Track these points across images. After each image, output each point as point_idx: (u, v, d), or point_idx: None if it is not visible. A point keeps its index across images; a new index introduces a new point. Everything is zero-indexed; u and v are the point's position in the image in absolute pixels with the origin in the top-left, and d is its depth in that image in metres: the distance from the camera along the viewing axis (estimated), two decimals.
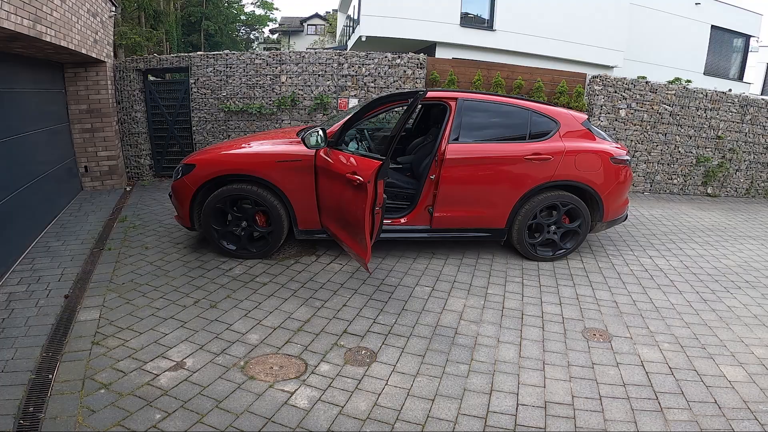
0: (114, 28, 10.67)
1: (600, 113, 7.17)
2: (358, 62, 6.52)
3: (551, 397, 2.41)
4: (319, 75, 6.54)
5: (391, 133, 2.97)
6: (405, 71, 6.58)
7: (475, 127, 3.90)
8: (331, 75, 6.54)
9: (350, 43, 13.35)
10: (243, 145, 4.06)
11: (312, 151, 3.60)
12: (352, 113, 3.54)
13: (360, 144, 4.28)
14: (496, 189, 3.89)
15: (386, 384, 2.48)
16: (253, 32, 27.69)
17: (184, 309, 3.16)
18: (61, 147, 6.02)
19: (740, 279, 4.04)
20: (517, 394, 2.42)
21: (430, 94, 3.93)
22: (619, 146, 4.23)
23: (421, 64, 6.58)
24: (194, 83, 6.58)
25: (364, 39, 10.57)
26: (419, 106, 5.48)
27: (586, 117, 4.30)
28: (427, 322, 3.09)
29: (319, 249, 4.25)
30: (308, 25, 29.14)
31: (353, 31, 12.94)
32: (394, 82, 6.65)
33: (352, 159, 3.19)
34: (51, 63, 5.58)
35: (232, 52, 6.55)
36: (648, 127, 7.25)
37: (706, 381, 2.58)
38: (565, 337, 2.96)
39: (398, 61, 6.52)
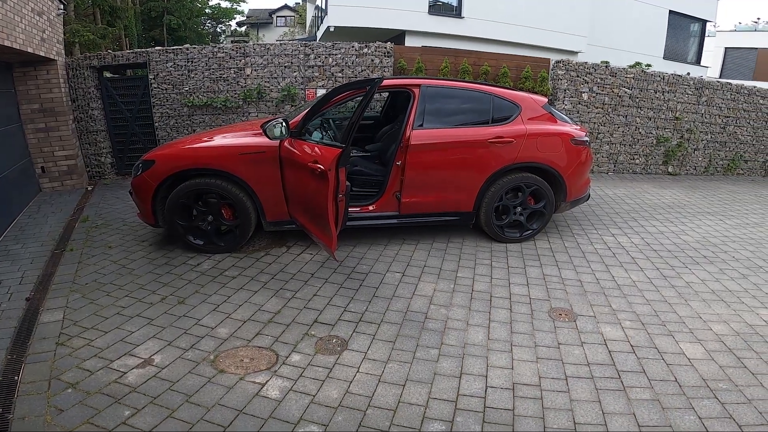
0: (66, 26, 10.19)
1: (564, 97, 7.31)
2: (324, 53, 6.42)
3: (519, 378, 2.45)
4: (285, 66, 6.41)
5: (349, 121, 2.94)
6: (372, 60, 6.53)
7: (439, 113, 3.91)
8: (298, 66, 6.42)
9: (319, 34, 13.14)
10: (205, 139, 3.96)
11: (276, 143, 3.53)
12: (313, 104, 3.49)
13: (326, 134, 4.24)
14: (461, 173, 3.93)
15: (357, 371, 2.49)
16: (220, 26, 26.87)
17: (151, 306, 3.09)
18: (14, 148, 5.72)
19: (698, 255, 4.22)
20: (486, 377, 2.46)
21: (392, 81, 3.93)
22: (579, 128, 4.33)
23: (388, 52, 6.54)
24: (154, 79, 6.35)
25: (332, 29, 10.41)
26: (387, 94, 5.48)
27: (547, 100, 4.38)
28: (398, 308, 3.10)
29: (289, 240, 4.20)
30: (277, 16, 28.47)
31: (322, 22, 12.71)
32: (362, 71, 6.58)
33: (314, 148, 3.15)
34: None
35: (193, 46, 6.34)
36: (609, 110, 7.44)
37: (666, 359, 2.63)
38: (532, 318, 3.03)
39: (365, 50, 6.45)
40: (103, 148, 6.71)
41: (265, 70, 6.40)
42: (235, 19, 25.06)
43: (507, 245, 4.19)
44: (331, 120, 4.72)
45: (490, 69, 6.89)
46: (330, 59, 6.45)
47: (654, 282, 3.62)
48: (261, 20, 25.69)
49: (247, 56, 6.32)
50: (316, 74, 6.49)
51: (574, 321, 3.01)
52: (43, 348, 2.64)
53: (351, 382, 2.40)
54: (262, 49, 6.32)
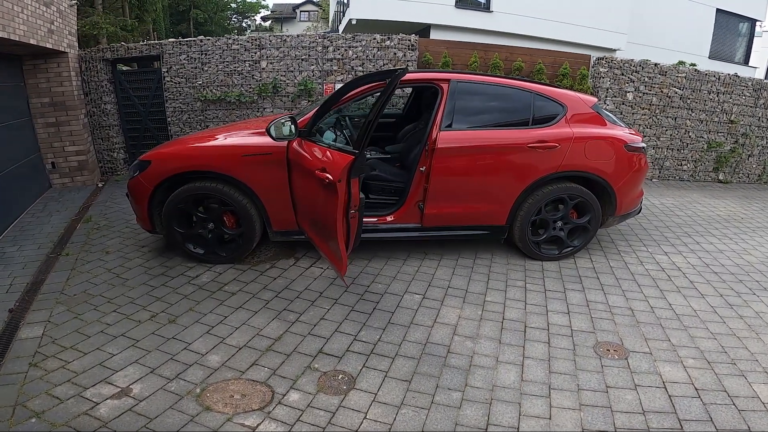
0: (86, 18, 10.18)
1: (606, 97, 6.72)
2: (344, 45, 6.04)
3: (559, 430, 2.02)
4: (302, 60, 6.06)
5: (365, 121, 2.51)
6: (395, 53, 6.10)
7: (470, 112, 3.46)
8: (316, 59, 6.06)
9: (341, 28, 12.78)
10: (207, 138, 3.62)
11: (283, 143, 3.16)
12: (326, 99, 3.09)
13: (341, 134, 3.85)
14: (494, 182, 3.46)
15: (365, 418, 2.10)
16: (246, 20, 26.94)
17: (139, 325, 2.78)
18: (23, 143, 5.58)
19: (766, 278, 3.64)
20: (518, 429, 2.03)
21: (417, 75, 3.50)
22: (633, 132, 3.79)
23: (412, 45, 6.10)
24: (167, 72, 6.11)
25: (354, 22, 10.03)
26: (410, 89, 5.04)
27: (596, 100, 3.85)
28: (416, 339, 2.69)
29: (298, 251, 3.83)
30: (301, 11, 28.30)
31: (344, 15, 12.35)
32: (383, 65, 6.17)
33: (325, 153, 2.74)
34: (7, 56, 5.13)
35: (207, 38, 6.07)
36: (657, 111, 6.79)
37: (738, 404, 2.21)
38: (575, 354, 2.56)
39: (387, 42, 6.03)
40: (115, 144, 6.53)
41: (281, 63, 6.07)
42: (259, 13, 25.13)
43: (543, 264, 3.71)
44: (348, 118, 4.31)
45: (523, 65, 6.37)
46: (350, 52, 6.06)
47: (718, 311, 3.09)
48: (285, 15, 25.59)
49: (262, 48, 6.01)
50: (335, 68, 6.11)
51: (626, 358, 2.54)
52: (15, 368, 2.38)
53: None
54: (278, 41, 5.99)
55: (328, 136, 3.35)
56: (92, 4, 14.85)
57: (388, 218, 3.50)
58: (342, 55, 6.06)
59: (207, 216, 3.44)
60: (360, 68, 6.16)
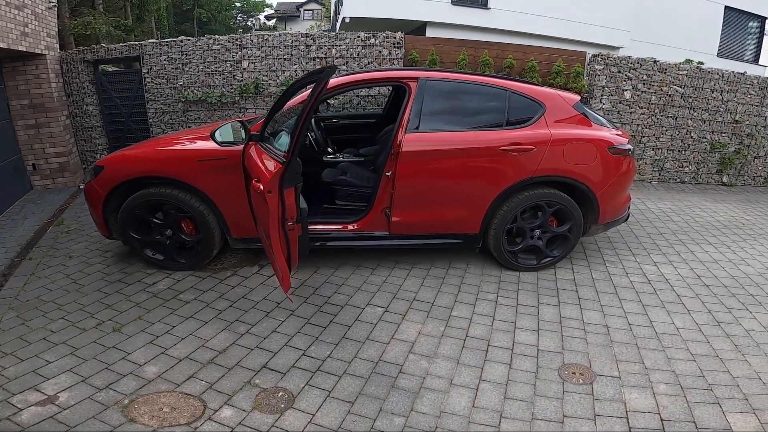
0: (78, 18, 10.17)
1: (602, 95, 6.47)
2: (327, 43, 5.89)
3: None
4: (284, 59, 5.93)
5: (294, 125, 2.29)
6: (380, 51, 5.93)
7: (440, 112, 3.28)
8: (299, 58, 5.92)
9: (337, 26, 12.66)
10: (165, 143, 3.49)
11: (239, 148, 3.02)
12: (275, 102, 2.92)
13: (312, 137, 3.71)
14: (465, 187, 3.28)
15: None
16: (251, 19, 26.98)
17: (83, 333, 2.71)
18: (3, 145, 5.55)
19: (762, 292, 3.41)
20: None
21: (383, 74, 3.34)
22: (619, 133, 3.57)
23: (398, 43, 5.93)
24: (147, 73, 6.03)
25: (348, 20, 9.88)
26: (391, 89, 4.87)
27: (579, 98, 3.63)
28: (368, 356, 2.53)
29: (263, 258, 3.69)
30: (304, 10, 28.20)
31: (339, 14, 12.22)
32: (368, 63, 6.00)
33: (261, 160, 2.56)
34: None
35: (188, 38, 5.98)
36: (656, 111, 6.53)
37: None
38: (536, 378, 2.38)
39: (372, 40, 5.86)
40: (98, 145, 6.48)
41: (263, 63, 5.94)
42: (264, 12, 25.14)
43: (520, 275, 3.51)
44: (321, 120, 4.17)
45: (515, 62, 6.16)
46: (333, 51, 5.91)
47: (704, 329, 2.88)
48: (288, 14, 25.57)
49: (243, 48, 5.89)
50: (318, 67, 5.97)
51: (591, 383, 2.36)
52: None
53: None
54: (260, 40, 5.86)
55: (284, 141, 3.19)
56: (93, 4, 14.94)
57: (350, 226, 3.33)
58: (325, 54, 5.91)
59: (164, 222, 3.32)
60: (344, 67, 6.01)
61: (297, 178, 2.21)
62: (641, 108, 6.51)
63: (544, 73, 6.39)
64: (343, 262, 3.64)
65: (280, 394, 2.23)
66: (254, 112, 6.07)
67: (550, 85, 6.20)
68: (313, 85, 2.22)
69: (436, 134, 3.21)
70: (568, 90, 6.22)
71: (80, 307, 2.99)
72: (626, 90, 6.45)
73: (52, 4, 5.61)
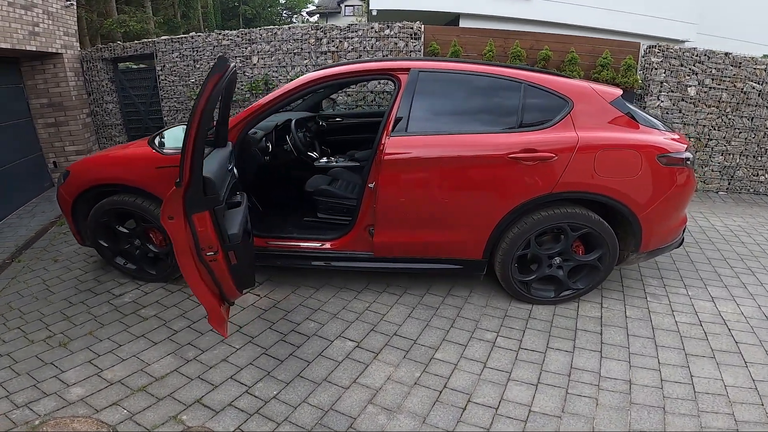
0: (111, 17, 10.56)
1: (659, 92, 5.65)
2: (338, 36, 5.54)
3: None
4: (294, 53, 5.66)
5: (185, 134, 1.85)
6: (396, 43, 5.49)
7: (434, 110, 2.79)
8: (309, 53, 5.63)
9: (365, 21, 12.28)
10: (130, 148, 3.29)
11: None
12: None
13: (299, 140, 3.36)
14: (463, 204, 2.76)
15: None
16: (295, 15, 27.42)
17: (30, 345, 2.60)
18: (24, 143, 5.74)
19: None
20: None
21: (368, 65, 2.87)
22: (675, 137, 2.85)
23: (415, 34, 5.45)
24: (161, 70, 6.00)
25: (375, 13, 9.48)
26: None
27: (620, 93, 2.94)
28: (319, 402, 2.15)
29: None
30: (345, 6, 28.09)
31: (368, 6, 11.83)
32: (383, 56, 5.59)
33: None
34: (4, 59, 5.25)
35: (198, 34, 5.90)
36: (728, 110, 5.59)
37: None
38: None
39: (387, 32, 5.44)
40: (119, 143, 6.56)
41: (272, 58, 5.71)
42: (306, 8, 25.35)
43: (533, 308, 2.97)
44: (305, 120, 3.80)
45: (551, 54, 5.49)
46: (345, 44, 5.55)
47: (761, 388, 2.25)
48: (330, 10, 25.59)
49: (253, 43, 5.69)
50: (330, 61, 5.64)
51: None
52: None
53: None
54: (269, 34, 5.63)
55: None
56: (142, 4, 15.68)
57: (327, 245, 2.94)
58: (337, 47, 5.57)
59: (131, 232, 3.11)
60: None
61: (211, 200, 1.84)
62: (709, 107, 5.61)
63: (587, 66, 5.68)
64: (326, 282, 3.27)
65: None
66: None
67: (595, 80, 5.49)
68: (208, 75, 1.81)
69: (428, 137, 2.71)
70: (609, 83, 5.48)
71: (40, 317, 2.90)
72: (690, 86, 5.58)
73: (69, 2, 5.70)
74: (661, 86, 5.66)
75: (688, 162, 2.81)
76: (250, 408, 2.11)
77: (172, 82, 6.04)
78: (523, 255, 2.88)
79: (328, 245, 2.96)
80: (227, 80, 2.00)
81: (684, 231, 3.19)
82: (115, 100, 6.41)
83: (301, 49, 5.63)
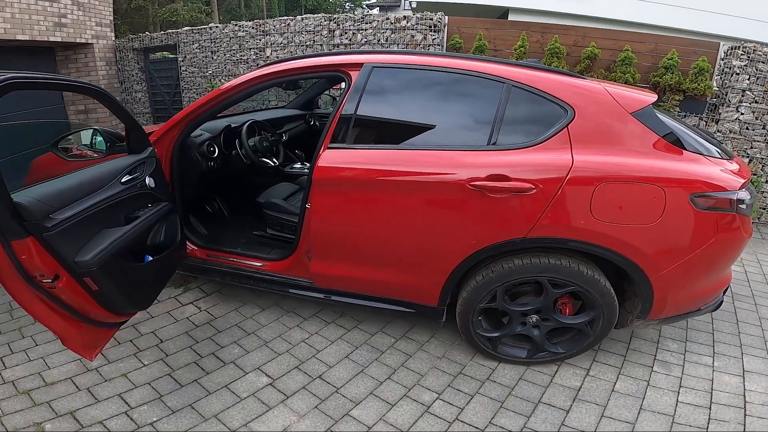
0: (165, 6, 11.12)
1: (740, 102, 4.73)
2: (352, 28, 5.26)
3: None
4: (306, 45, 5.49)
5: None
6: (413, 36, 5.09)
7: (385, 118, 2.41)
8: (321, 45, 5.43)
9: (405, 13, 11.79)
10: None
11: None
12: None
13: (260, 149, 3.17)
14: (411, 240, 2.31)
15: None
16: (358, 7, 27.58)
17: None
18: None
19: None
20: None
21: (317, 60, 2.54)
22: (731, 167, 2.15)
23: (435, 26, 5.01)
24: (182, 61, 6.14)
25: (413, 5, 9.02)
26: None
27: (651, 100, 2.22)
28: None
29: (200, 281, 3.28)
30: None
31: None
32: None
33: None
34: (42, 48, 5.66)
35: (216, 25, 5.93)
36: None
37: None
38: None
39: (404, 23, 5.06)
40: None
41: (285, 51, 5.59)
42: (368, 0, 25.28)
43: (498, 367, 2.51)
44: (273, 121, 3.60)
45: (599, 52, 4.79)
46: (359, 36, 5.27)
47: None
48: (389, 3, 25.21)
49: (267, 35, 5.60)
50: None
51: None
52: None
53: None
54: (282, 25, 5.51)
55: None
56: None
57: (258, 264, 2.70)
58: (350, 40, 5.30)
59: None
60: None
61: (34, 226, 1.65)
62: None
63: (646, 68, 4.91)
64: (276, 302, 3.05)
65: None
66: (276, 104, 5.76)
67: (654, 85, 4.73)
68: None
69: (371, 152, 2.30)
70: (672, 89, 4.69)
71: None
72: None
73: None
74: (743, 95, 4.74)
75: (742, 206, 2.09)
76: (118, 429, 1.99)
77: (192, 73, 6.16)
78: (491, 307, 2.41)
79: (268, 266, 2.72)
80: None
81: (726, 292, 2.52)
82: (143, 89, 6.68)
83: (314, 41, 5.44)
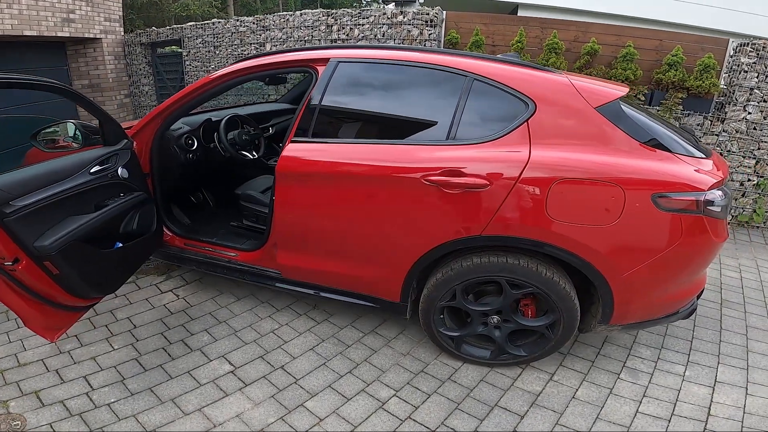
0: (176, 1, 11.35)
1: (747, 101, 4.56)
2: (349, 23, 5.27)
3: None
4: (305, 41, 5.53)
5: None
6: (409, 31, 5.07)
7: (347, 111, 2.45)
8: (319, 40, 5.46)
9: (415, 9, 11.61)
10: None
11: None
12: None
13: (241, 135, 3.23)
14: (370, 234, 2.35)
15: None
16: (375, 2, 27.52)
17: None
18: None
19: None
20: None
21: (285, 56, 2.57)
22: (704, 167, 2.07)
23: (431, 20, 4.98)
24: (187, 56, 6.27)
25: (422, 0, 8.94)
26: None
27: (619, 94, 2.17)
28: (146, 421, 2.05)
29: (184, 269, 3.37)
30: None
31: None
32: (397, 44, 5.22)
33: None
34: (53, 43, 5.87)
35: (219, 20, 6.02)
36: None
37: None
38: None
39: (400, 18, 5.04)
40: None
41: (285, 46, 5.64)
42: None
43: (462, 366, 2.52)
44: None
45: (599, 48, 4.68)
46: (356, 31, 5.27)
47: None
48: None
49: (267, 30, 5.67)
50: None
51: None
52: None
53: None
54: (282, 21, 5.57)
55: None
56: None
57: (231, 254, 2.76)
58: (347, 35, 5.32)
59: None
60: None
61: None
62: None
63: (649, 65, 4.78)
64: (252, 293, 3.12)
65: (17, 422, 1.97)
66: (276, 99, 5.84)
67: (658, 82, 4.62)
68: None
69: (331, 146, 2.35)
70: (676, 87, 4.56)
71: None
72: None
73: None
74: (751, 94, 4.57)
75: (712, 208, 2.02)
76: (76, 409, 2.08)
77: (196, 67, 6.29)
78: (453, 306, 2.41)
79: (240, 256, 2.79)
80: None
81: (699, 296, 2.46)
82: (150, 83, 6.86)
83: (312, 36, 5.48)
